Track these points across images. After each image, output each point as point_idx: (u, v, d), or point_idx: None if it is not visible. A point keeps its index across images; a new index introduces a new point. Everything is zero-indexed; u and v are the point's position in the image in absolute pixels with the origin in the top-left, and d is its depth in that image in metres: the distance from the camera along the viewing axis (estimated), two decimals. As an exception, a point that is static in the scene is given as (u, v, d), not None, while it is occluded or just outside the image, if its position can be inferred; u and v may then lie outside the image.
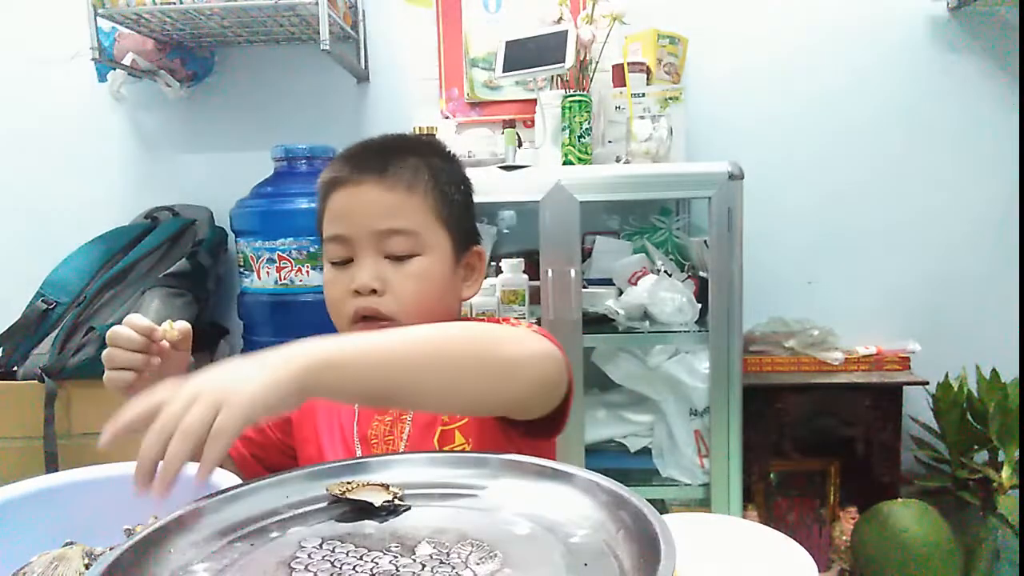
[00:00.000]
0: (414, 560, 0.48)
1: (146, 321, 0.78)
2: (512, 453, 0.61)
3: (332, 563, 0.48)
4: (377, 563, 0.48)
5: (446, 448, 0.84)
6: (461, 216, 0.89)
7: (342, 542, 0.51)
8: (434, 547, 0.49)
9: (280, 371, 0.54)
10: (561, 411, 0.77)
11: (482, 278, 0.93)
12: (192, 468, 0.74)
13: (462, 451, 0.84)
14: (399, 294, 0.83)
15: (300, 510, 0.57)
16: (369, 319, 0.83)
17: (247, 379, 0.53)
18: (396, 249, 0.83)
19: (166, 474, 0.51)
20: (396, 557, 0.48)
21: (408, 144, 0.91)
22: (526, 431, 0.77)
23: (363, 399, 0.64)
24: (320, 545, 0.51)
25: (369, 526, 0.54)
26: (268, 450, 0.97)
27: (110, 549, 0.50)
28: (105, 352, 0.78)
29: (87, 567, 0.59)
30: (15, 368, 1.75)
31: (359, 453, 0.88)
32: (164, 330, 0.79)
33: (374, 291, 0.82)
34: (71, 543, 0.63)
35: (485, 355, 0.66)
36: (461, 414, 0.80)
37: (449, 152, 0.93)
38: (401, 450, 0.86)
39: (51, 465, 1.65)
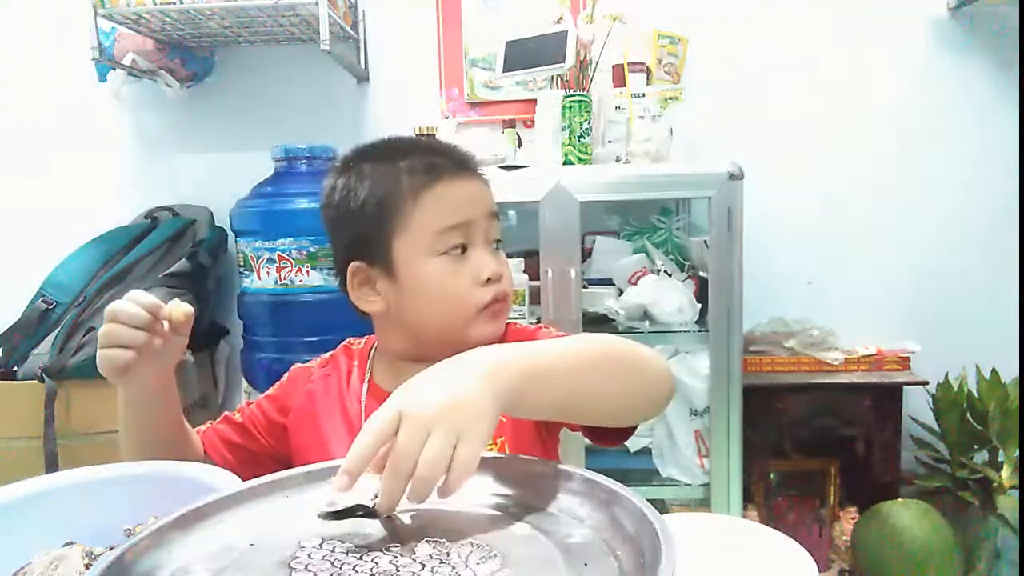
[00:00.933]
0: (414, 560, 0.48)
1: (151, 298, 0.75)
2: (531, 454, 0.61)
3: (332, 563, 0.48)
4: (377, 563, 0.47)
5: None
6: None
7: (342, 542, 0.51)
8: (434, 547, 0.49)
9: (497, 384, 0.54)
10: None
11: None
12: (188, 468, 0.74)
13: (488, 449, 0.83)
14: (508, 278, 0.85)
15: (300, 510, 0.57)
16: (499, 303, 0.84)
17: (472, 397, 0.53)
18: (496, 233, 0.85)
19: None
20: (396, 557, 0.48)
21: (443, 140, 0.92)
22: (595, 436, 0.76)
23: (548, 409, 0.61)
24: (320, 545, 0.51)
25: (369, 526, 0.53)
26: (258, 457, 0.94)
27: (110, 549, 0.50)
28: (103, 329, 0.74)
29: (87, 567, 0.58)
30: (15, 368, 1.75)
31: None
32: (170, 309, 0.75)
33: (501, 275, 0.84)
34: (71, 543, 0.63)
35: (644, 367, 0.69)
36: (612, 423, 0.74)
37: None
38: None
39: (51, 465, 1.65)
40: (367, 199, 0.82)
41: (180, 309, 0.76)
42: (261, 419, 0.94)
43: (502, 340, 0.88)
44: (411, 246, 0.82)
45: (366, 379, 0.91)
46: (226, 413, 0.97)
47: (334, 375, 0.94)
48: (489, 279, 0.82)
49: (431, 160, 0.83)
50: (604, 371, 0.65)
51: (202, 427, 0.96)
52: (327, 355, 0.98)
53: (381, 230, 0.82)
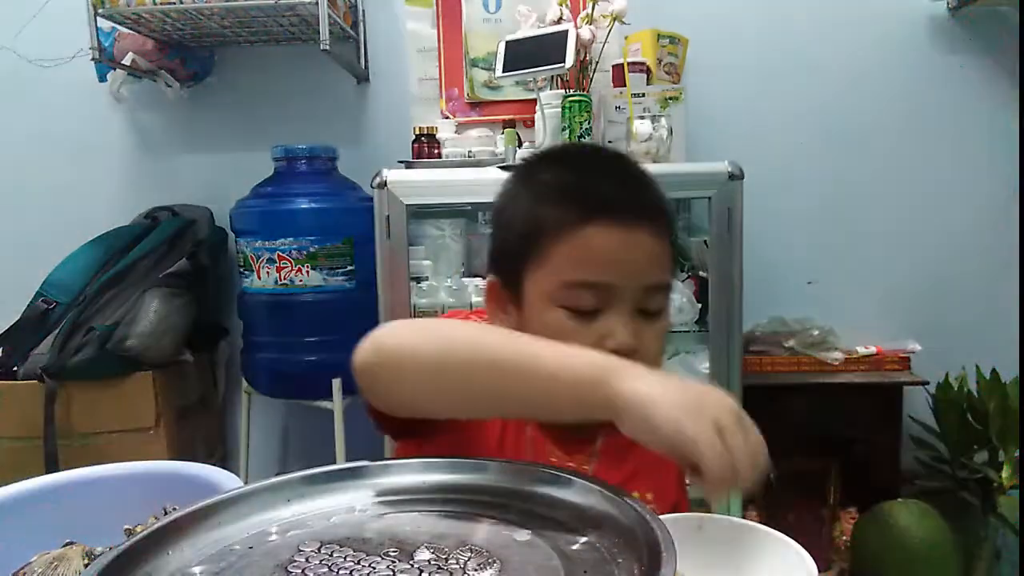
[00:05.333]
0: (412, 565, 0.48)
1: None
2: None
3: (330, 567, 0.48)
4: (375, 568, 0.47)
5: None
6: None
7: (340, 546, 0.51)
8: (433, 552, 0.49)
9: None
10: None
11: None
12: (188, 468, 0.74)
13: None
14: (648, 354, 0.70)
15: (299, 514, 0.57)
16: None
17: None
18: (654, 305, 0.72)
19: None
20: (394, 562, 0.48)
21: (642, 169, 0.77)
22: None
23: None
24: (319, 549, 0.51)
25: (368, 530, 0.54)
26: None
27: (110, 549, 0.50)
28: None
29: (87, 567, 0.59)
30: (15, 368, 1.75)
31: None
32: None
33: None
34: (71, 543, 0.63)
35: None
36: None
37: None
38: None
39: (51, 465, 1.65)
40: (515, 218, 0.74)
41: None
42: None
43: None
44: (539, 287, 0.71)
45: None
46: None
47: None
48: (614, 351, 0.64)
49: (595, 192, 0.71)
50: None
51: None
52: None
53: (517, 257, 0.73)
